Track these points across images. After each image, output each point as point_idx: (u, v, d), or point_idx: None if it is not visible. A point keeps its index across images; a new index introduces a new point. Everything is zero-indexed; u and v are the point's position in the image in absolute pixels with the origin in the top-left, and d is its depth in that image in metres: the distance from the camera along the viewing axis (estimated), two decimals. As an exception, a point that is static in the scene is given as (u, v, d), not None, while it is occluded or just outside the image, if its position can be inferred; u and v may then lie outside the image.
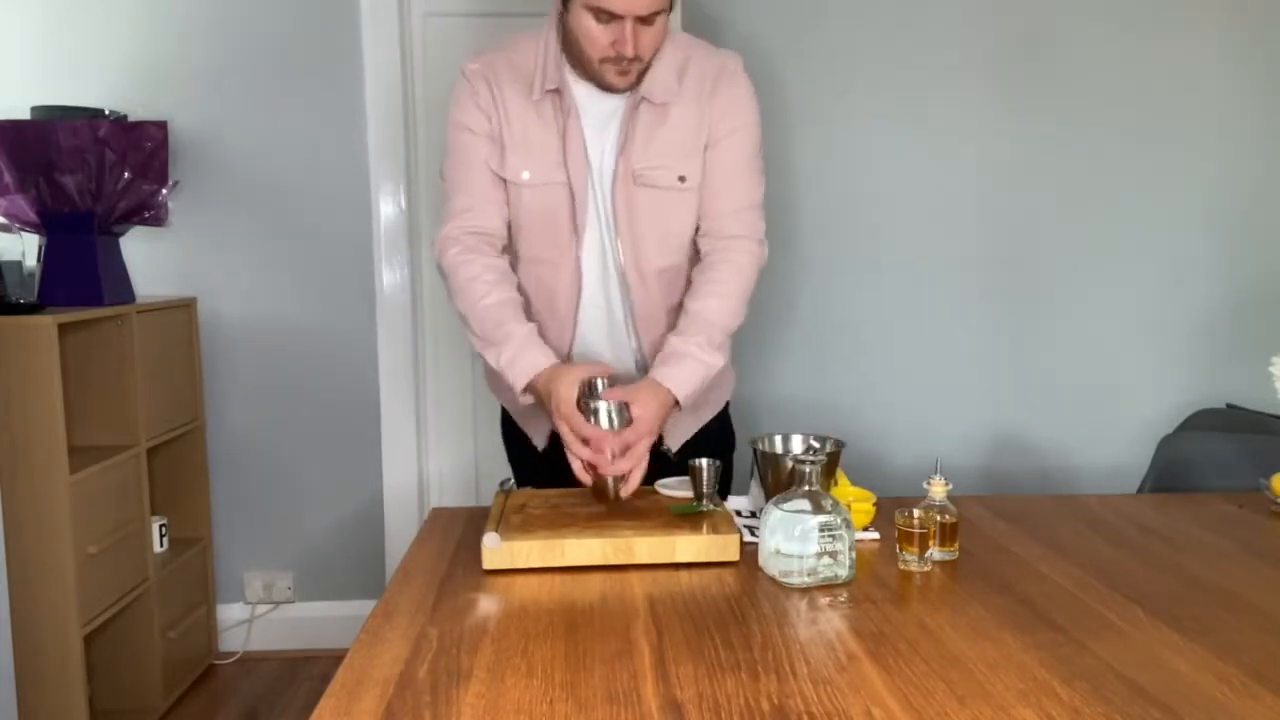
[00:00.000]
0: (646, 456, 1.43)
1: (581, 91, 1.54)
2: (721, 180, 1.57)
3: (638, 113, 1.53)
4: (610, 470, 1.40)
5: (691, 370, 1.50)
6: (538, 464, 1.71)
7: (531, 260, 1.61)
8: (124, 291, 2.36)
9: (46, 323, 2.02)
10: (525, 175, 1.55)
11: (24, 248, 2.34)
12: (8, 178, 2.19)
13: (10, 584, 2.02)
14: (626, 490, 1.42)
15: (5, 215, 2.22)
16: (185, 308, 2.60)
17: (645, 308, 1.61)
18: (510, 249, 1.62)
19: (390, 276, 2.72)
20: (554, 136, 1.54)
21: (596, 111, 1.55)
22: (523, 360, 1.49)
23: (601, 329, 1.63)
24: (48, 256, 2.25)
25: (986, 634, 1.09)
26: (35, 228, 2.24)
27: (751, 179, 1.61)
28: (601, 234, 1.58)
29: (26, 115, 2.36)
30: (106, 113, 2.41)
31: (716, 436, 1.75)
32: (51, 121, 2.25)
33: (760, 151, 1.62)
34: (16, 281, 2.26)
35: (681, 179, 1.55)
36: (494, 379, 1.69)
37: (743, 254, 1.58)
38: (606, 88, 1.52)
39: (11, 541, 2.02)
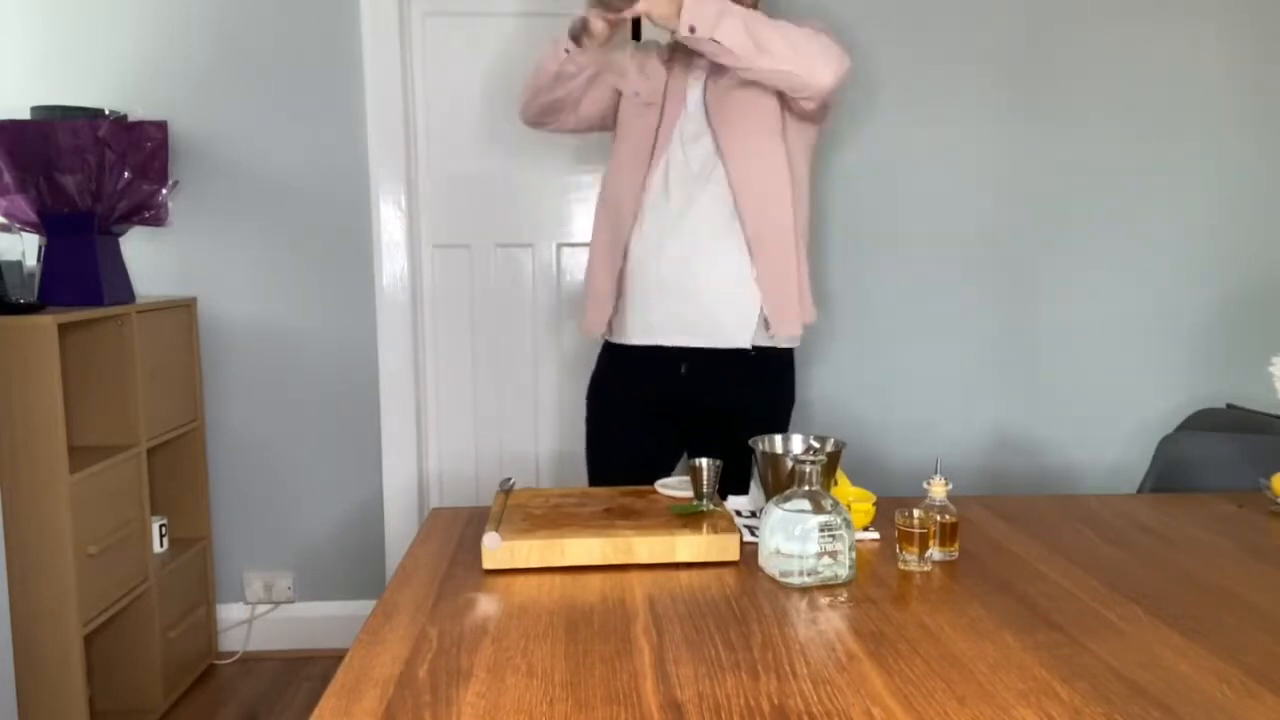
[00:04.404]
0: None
1: None
2: None
3: None
4: None
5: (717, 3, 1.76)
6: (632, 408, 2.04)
7: None
8: (124, 291, 2.36)
9: (46, 323, 2.02)
10: None
11: (24, 248, 2.35)
12: (8, 178, 2.19)
13: (10, 584, 2.02)
14: None
15: (5, 215, 2.22)
16: (185, 308, 2.60)
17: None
18: None
19: (390, 277, 2.71)
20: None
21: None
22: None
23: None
24: (48, 256, 2.24)
25: (986, 634, 1.09)
26: (35, 228, 2.24)
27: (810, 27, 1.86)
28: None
29: (26, 115, 2.36)
30: (106, 113, 2.40)
31: (776, 385, 2.08)
32: (51, 121, 2.25)
33: (825, 35, 1.86)
34: (16, 281, 2.25)
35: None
36: (592, 294, 2.03)
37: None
38: None
39: (11, 541, 2.02)
